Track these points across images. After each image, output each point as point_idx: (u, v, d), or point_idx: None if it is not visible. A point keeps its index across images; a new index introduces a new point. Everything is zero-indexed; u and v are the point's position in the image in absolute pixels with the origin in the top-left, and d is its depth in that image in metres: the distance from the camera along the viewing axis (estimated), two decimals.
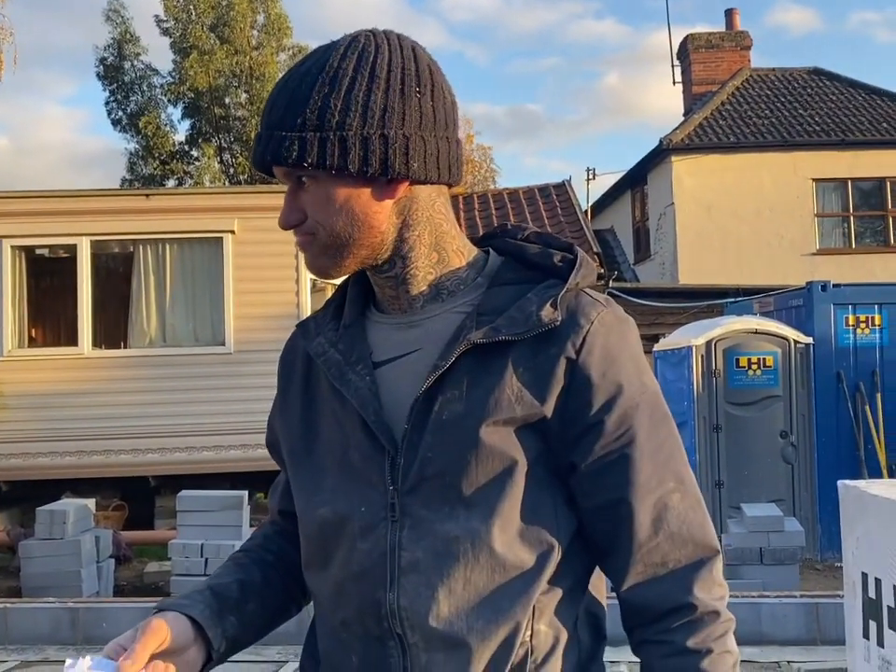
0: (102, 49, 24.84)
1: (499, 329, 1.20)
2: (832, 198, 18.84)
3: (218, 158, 25.12)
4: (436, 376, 1.20)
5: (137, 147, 25.08)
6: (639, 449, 1.21)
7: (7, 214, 9.84)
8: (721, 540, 1.34)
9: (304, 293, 9.86)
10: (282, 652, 5.83)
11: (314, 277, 9.85)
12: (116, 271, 11.20)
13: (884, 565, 2.74)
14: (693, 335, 9.24)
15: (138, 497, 9.86)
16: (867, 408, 9.02)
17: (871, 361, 9.15)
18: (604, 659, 1.33)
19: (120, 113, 25.01)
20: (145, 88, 25.16)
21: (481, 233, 1.40)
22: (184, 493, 7.67)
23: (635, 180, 21.33)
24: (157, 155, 24.56)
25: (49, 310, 11.42)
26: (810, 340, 9.05)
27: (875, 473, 8.72)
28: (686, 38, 21.36)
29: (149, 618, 1.20)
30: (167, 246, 10.12)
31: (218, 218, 9.91)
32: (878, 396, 9.08)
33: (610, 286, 13.64)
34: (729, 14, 22.42)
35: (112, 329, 10.81)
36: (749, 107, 19.79)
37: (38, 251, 10.70)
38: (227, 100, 24.77)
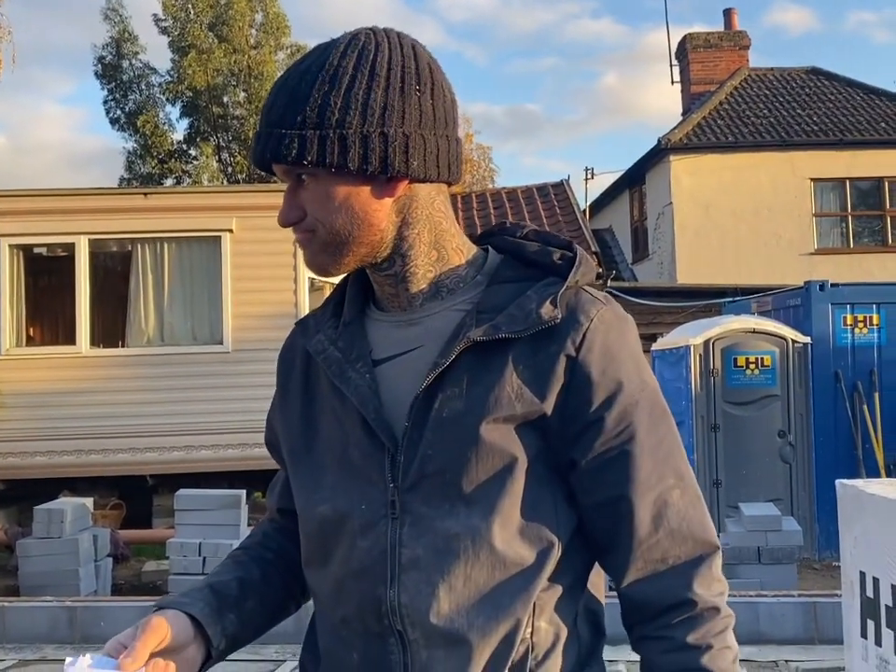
0: (100, 47, 24.85)
1: (499, 326, 1.20)
2: (830, 198, 18.85)
3: (217, 157, 25.11)
4: (436, 374, 1.20)
5: (135, 145, 25.08)
6: (639, 446, 1.22)
7: (4, 212, 9.84)
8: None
9: (302, 292, 9.86)
10: (280, 651, 5.83)
11: (312, 276, 9.90)
12: (114, 270, 11.19)
13: (882, 564, 2.75)
14: (692, 334, 9.25)
15: (136, 496, 9.86)
16: (865, 407, 9.03)
17: (869, 361, 9.16)
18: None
19: (119, 112, 25.01)
20: (143, 87, 25.16)
21: (479, 233, 1.40)
22: (182, 492, 7.67)
23: (633, 180, 21.34)
24: (155, 154, 24.56)
25: (46, 309, 11.41)
26: (808, 339, 9.06)
27: (873, 473, 8.73)
28: (684, 38, 21.36)
29: (149, 616, 1.20)
30: (165, 245, 10.12)
31: (217, 217, 9.91)
32: (876, 395, 9.10)
33: (609, 285, 13.64)
34: (727, 14, 22.42)
35: (110, 328, 10.80)
36: (748, 107, 19.80)
37: (36, 250, 10.68)
38: (225, 99, 24.77)
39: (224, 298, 9.88)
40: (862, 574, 2.87)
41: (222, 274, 9.89)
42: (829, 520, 7.71)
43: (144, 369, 9.82)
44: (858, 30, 66.40)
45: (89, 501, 7.99)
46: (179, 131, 25.64)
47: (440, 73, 1.26)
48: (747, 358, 8.99)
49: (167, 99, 25.01)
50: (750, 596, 6.04)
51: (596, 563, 1.31)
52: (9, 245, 9.90)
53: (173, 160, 24.90)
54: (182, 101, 24.70)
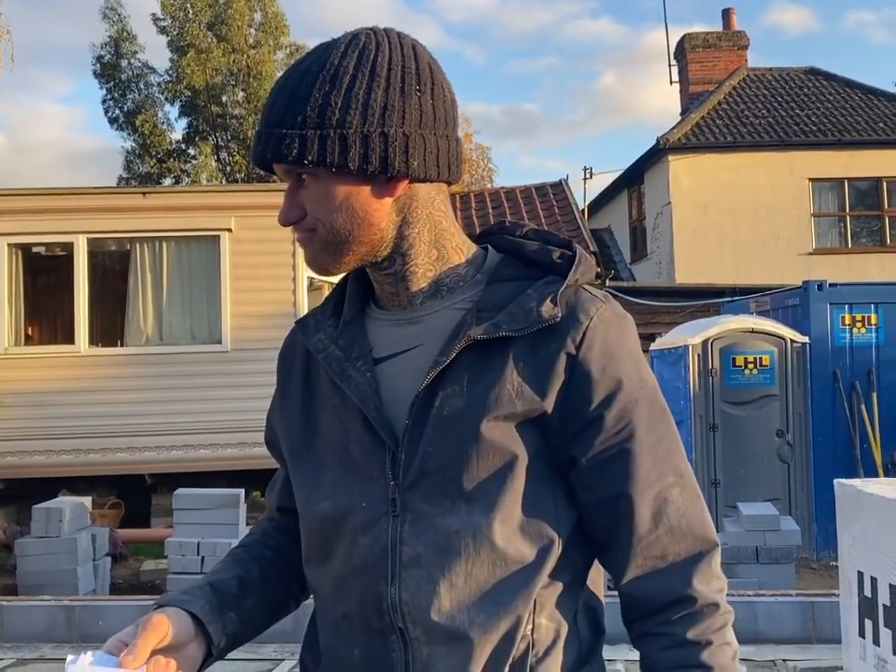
0: (99, 47, 24.89)
1: (500, 325, 1.21)
2: (828, 198, 18.86)
3: (215, 156, 25.12)
4: (437, 372, 1.21)
5: (134, 145, 25.10)
6: (639, 443, 1.22)
7: (3, 211, 9.82)
8: None
9: (301, 291, 9.86)
10: (278, 650, 5.83)
11: (311, 275, 9.90)
12: (112, 269, 11.19)
13: (880, 563, 2.75)
14: (690, 334, 9.25)
15: (134, 495, 9.85)
16: (863, 407, 9.04)
17: (867, 360, 9.17)
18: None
19: (117, 111, 25.02)
20: (142, 86, 25.19)
21: (478, 232, 1.40)
22: (180, 491, 7.67)
23: (631, 179, 21.34)
24: (154, 153, 24.57)
25: (45, 308, 11.40)
26: (806, 339, 9.06)
27: (871, 472, 8.74)
28: (683, 38, 21.35)
29: (150, 613, 1.20)
30: (164, 244, 10.11)
31: (215, 217, 9.91)
32: (874, 395, 9.10)
33: (607, 285, 13.65)
34: (726, 14, 22.43)
35: (109, 328, 10.79)
36: (746, 107, 19.80)
37: (35, 249, 10.67)
38: (224, 98, 24.79)
39: (223, 297, 9.87)
40: (860, 573, 2.87)
41: (221, 274, 9.89)
42: (827, 519, 7.72)
43: (142, 368, 9.82)
44: (856, 30, 66.52)
45: (87, 500, 7.99)
46: (178, 130, 25.77)
47: (440, 73, 1.27)
48: (745, 358, 8.99)
49: (166, 98, 25.04)
50: (749, 596, 6.05)
51: (595, 560, 1.31)
52: (8, 245, 9.89)
53: (171, 159, 24.91)
54: (181, 100, 24.72)
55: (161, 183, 24.09)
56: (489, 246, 1.34)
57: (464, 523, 1.20)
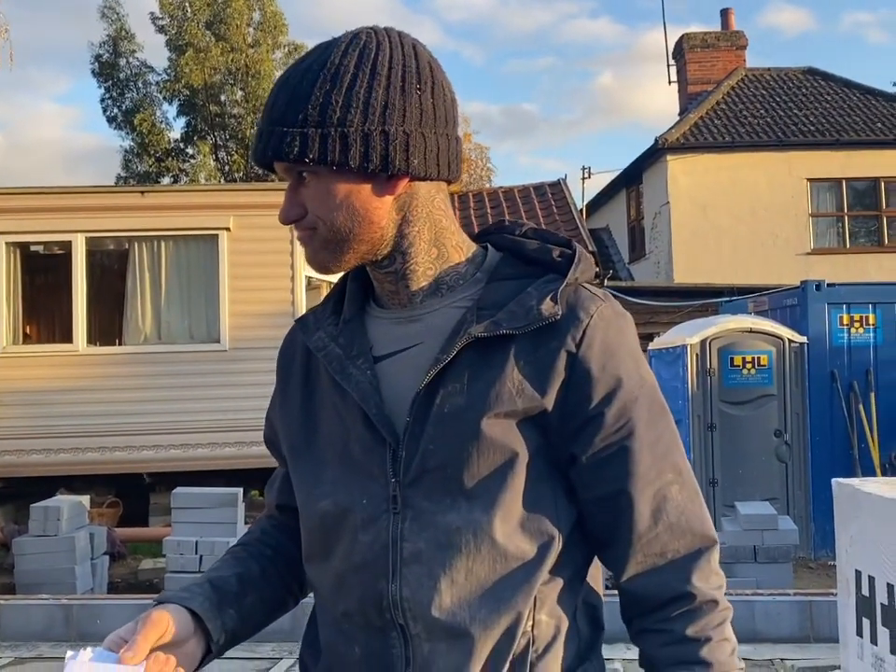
0: (97, 46, 24.88)
1: (500, 323, 1.21)
2: (826, 198, 18.87)
3: (214, 155, 25.11)
4: (438, 369, 1.21)
5: (132, 144, 25.09)
6: (638, 441, 1.23)
7: (1, 210, 9.82)
8: None
9: (299, 290, 9.86)
10: (276, 649, 5.83)
11: (309, 274, 9.90)
12: (111, 268, 11.18)
13: (877, 562, 2.75)
14: (688, 334, 9.26)
15: (133, 494, 9.85)
16: (861, 407, 9.05)
17: (865, 360, 9.18)
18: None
19: (115, 110, 25.02)
20: (140, 85, 25.18)
21: (477, 231, 1.41)
22: (178, 490, 7.66)
23: (630, 179, 21.35)
24: (152, 152, 24.56)
25: (43, 307, 11.39)
26: (804, 339, 9.07)
27: (869, 472, 8.74)
28: (681, 38, 21.36)
29: (150, 610, 1.21)
30: (162, 243, 10.11)
31: (214, 216, 9.91)
32: (872, 395, 9.11)
33: (605, 284, 13.65)
34: (724, 14, 22.43)
35: (107, 326, 10.78)
36: (745, 107, 19.81)
37: (33, 248, 10.67)
38: (222, 97, 24.78)
39: (221, 296, 9.87)
40: (858, 573, 2.87)
41: (219, 273, 9.89)
42: (825, 519, 7.74)
43: (141, 367, 9.81)
44: (854, 30, 66.58)
45: (85, 499, 7.98)
46: (176, 129, 25.72)
47: (440, 72, 1.27)
48: (743, 358, 9.00)
49: (164, 97, 25.04)
50: (746, 595, 6.05)
51: (595, 557, 1.32)
52: (6, 243, 9.88)
53: (170, 158, 24.90)
54: (179, 99, 24.71)
55: (159, 182, 24.08)
56: (489, 245, 1.35)
57: (464, 520, 1.20)
